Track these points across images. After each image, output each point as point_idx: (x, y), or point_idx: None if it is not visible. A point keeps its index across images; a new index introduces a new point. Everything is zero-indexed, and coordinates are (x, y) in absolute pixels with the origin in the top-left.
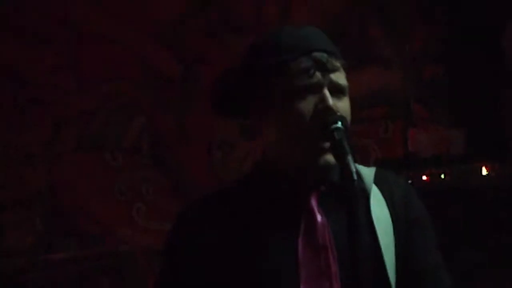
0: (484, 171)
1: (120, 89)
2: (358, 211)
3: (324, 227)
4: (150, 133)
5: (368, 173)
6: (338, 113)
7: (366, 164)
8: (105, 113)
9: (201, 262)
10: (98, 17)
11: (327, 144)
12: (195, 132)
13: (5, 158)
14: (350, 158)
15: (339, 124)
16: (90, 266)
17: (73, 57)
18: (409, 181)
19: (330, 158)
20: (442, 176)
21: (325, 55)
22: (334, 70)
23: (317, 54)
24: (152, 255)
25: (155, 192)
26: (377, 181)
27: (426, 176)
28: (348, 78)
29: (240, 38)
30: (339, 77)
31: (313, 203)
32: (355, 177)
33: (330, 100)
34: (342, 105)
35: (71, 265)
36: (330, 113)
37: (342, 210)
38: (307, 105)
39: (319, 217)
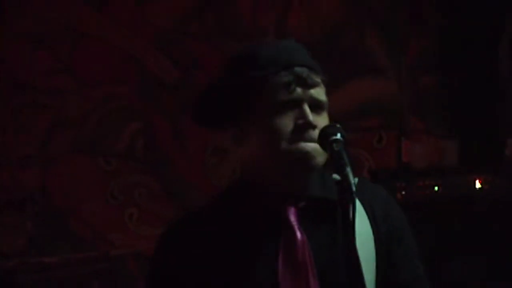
0: (478, 184)
1: (116, 93)
2: (352, 224)
3: (304, 244)
4: (144, 137)
5: None
6: (337, 125)
7: (360, 175)
8: (100, 117)
9: (183, 282)
10: (95, 21)
11: (306, 144)
12: (189, 138)
13: None
14: (349, 169)
15: (338, 135)
16: (81, 269)
17: (69, 60)
18: (403, 192)
19: (310, 148)
20: (436, 188)
21: (305, 70)
22: (314, 85)
23: (297, 69)
24: (143, 260)
25: (148, 197)
26: (358, 192)
27: (419, 188)
28: (343, 88)
29: (237, 44)
30: (319, 93)
31: (293, 219)
32: (354, 188)
33: (310, 116)
34: (321, 121)
35: (62, 268)
36: (329, 124)
37: (322, 227)
38: (287, 120)
39: (298, 234)
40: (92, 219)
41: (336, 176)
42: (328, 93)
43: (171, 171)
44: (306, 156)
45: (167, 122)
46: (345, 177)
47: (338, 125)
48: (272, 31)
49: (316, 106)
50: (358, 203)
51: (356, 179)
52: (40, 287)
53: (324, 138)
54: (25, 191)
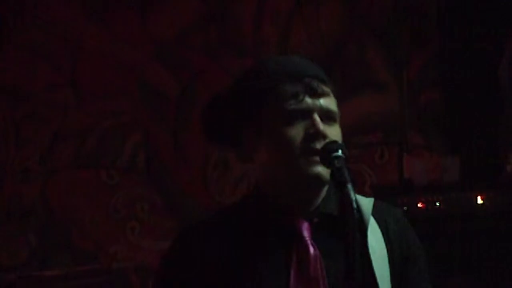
0: (479, 200)
1: (117, 106)
2: (356, 241)
3: (317, 259)
4: (146, 151)
5: (366, 204)
6: (339, 142)
7: (361, 190)
8: (102, 130)
9: None
10: (97, 34)
11: (317, 158)
12: (191, 151)
13: (1, 172)
14: (350, 186)
15: (340, 152)
16: (83, 282)
17: (71, 74)
18: (404, 208)
19: (321, 169)
20: (437, 204)
21: (315, 80)
22: (324, 95)
23: (306, 79)
24: (144, 273)
25: (149, 210)
26: (374, 213)
27: (421, 204)
28: (345, 103)
29: (238, 59)
30: (330, 103)
31: (306, 234)
32: (354, 205)
33: (321, 125)
34: (332, 132)
35: (64, 281)
36: (330, 141)
37: (335, 242)
38: (297, 130)
39: (311, 249)
40: (94, 232)
41: (357, 197)
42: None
43: (173, 184)
44: (317, 173)
45: (168, 135)
46: (346, 194)
47: (339, 142)
48: (274, 45)
49: (327, 117)
50: (374, 223)
51: (372, 200)
52: None
53: (326, 154)
54: (26, 204)
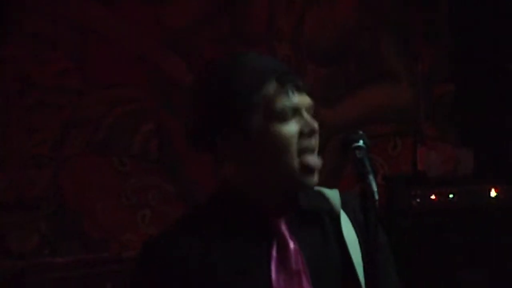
0: (493, 193)
1: (130, 94)
2: (378, 232)
3: (297, 252)
4: (158, 139)
5: (334, 195)
6: (360, 132)
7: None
8: (114, 118)
9: None
10: (109, 21)
11: (315, 160)
12: None
13: (12, 159)
14: (371, 177)
15: (361, 142)
16: (93, 270)
17: (82, 61)
18: (417, 200)
19: (315, 179)
20: (450, 196)
21: (296, 77)
22: (307, 91)
23: (290, 76)
24: None
25: (161, 198)
26: (342, 204)
27: (435, 196)
28: (358, 93)
29: (251, 48)
30: (311, 100)
31: (284, 228)
32: (376, 196)
33: (315, 123)
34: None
35: (74, 269)
36: (352, 131)
37: (313, 234)
38: (292, 127)
39: (291, 243)
40: (105, 220)
41: (324, 190)
42: (340, 100)
43: (184, 173)
44: (313, 172)
45: (180, 124)
46: (368, 185)
47: (361, 132)
48: (287, 35)
49: (311, 113)
50: (344, 214)
51: (337, 191)
52: (52, 287)
53: (346, 144)
54: (38, 191)
